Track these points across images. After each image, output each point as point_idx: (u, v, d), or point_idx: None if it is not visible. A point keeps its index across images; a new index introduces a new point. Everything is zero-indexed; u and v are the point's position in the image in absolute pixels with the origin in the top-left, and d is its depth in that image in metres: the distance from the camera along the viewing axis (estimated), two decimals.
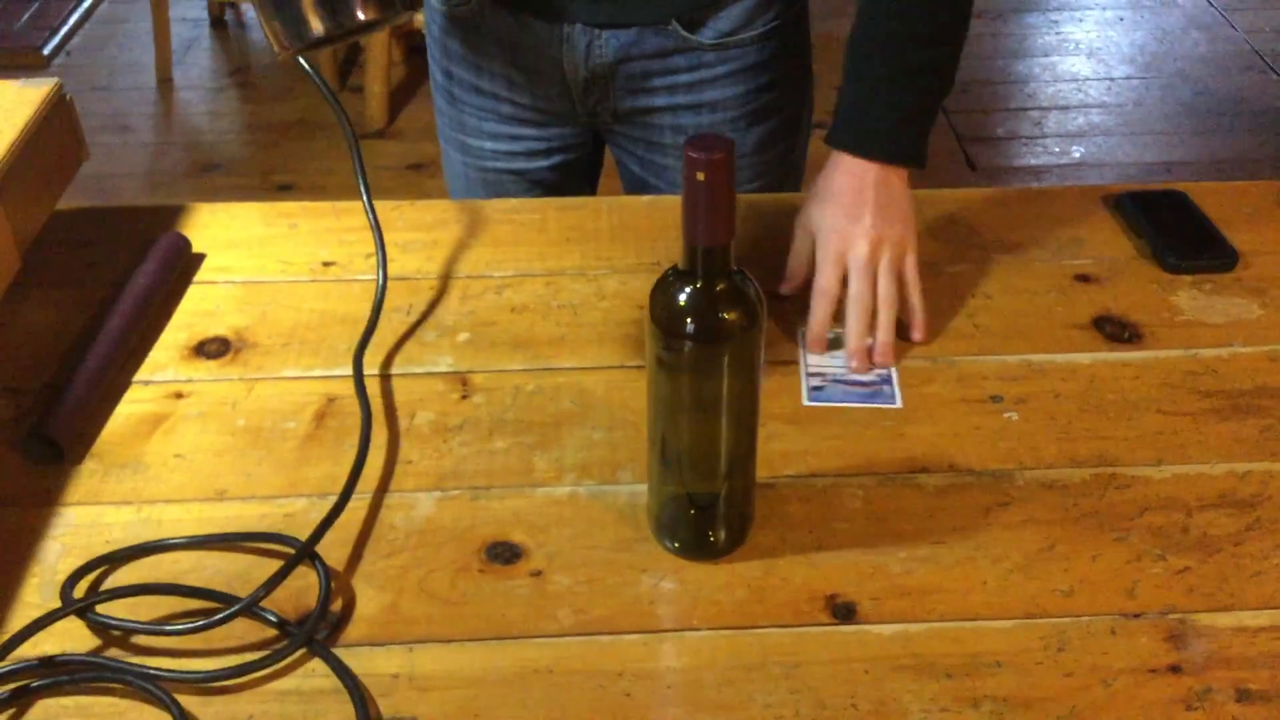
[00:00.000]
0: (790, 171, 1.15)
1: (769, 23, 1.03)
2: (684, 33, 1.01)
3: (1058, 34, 3.27)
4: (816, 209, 0.86)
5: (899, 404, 0.81)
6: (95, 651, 0.66)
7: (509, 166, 1.12)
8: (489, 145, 1.12)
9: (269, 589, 0.67)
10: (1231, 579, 0.69)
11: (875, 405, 0.81)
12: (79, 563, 0.70)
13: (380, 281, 0.87)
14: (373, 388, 0.82)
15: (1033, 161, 2.75)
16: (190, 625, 0.65)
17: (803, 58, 1.11)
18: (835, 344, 0.84)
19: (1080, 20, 3.33)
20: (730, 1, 1.00)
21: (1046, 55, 3.17)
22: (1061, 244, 0.95)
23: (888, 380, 0.82)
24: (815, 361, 0.83)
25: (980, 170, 2.71)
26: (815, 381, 0.82)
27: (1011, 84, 3.05)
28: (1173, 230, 0.95)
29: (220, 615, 0.65)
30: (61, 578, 0.69)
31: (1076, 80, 3.04)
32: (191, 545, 0.71)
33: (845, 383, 0.82)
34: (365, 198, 0.89)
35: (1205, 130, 2.85)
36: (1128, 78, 3.05)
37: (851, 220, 0.84)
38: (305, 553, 0.69)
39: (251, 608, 0.66)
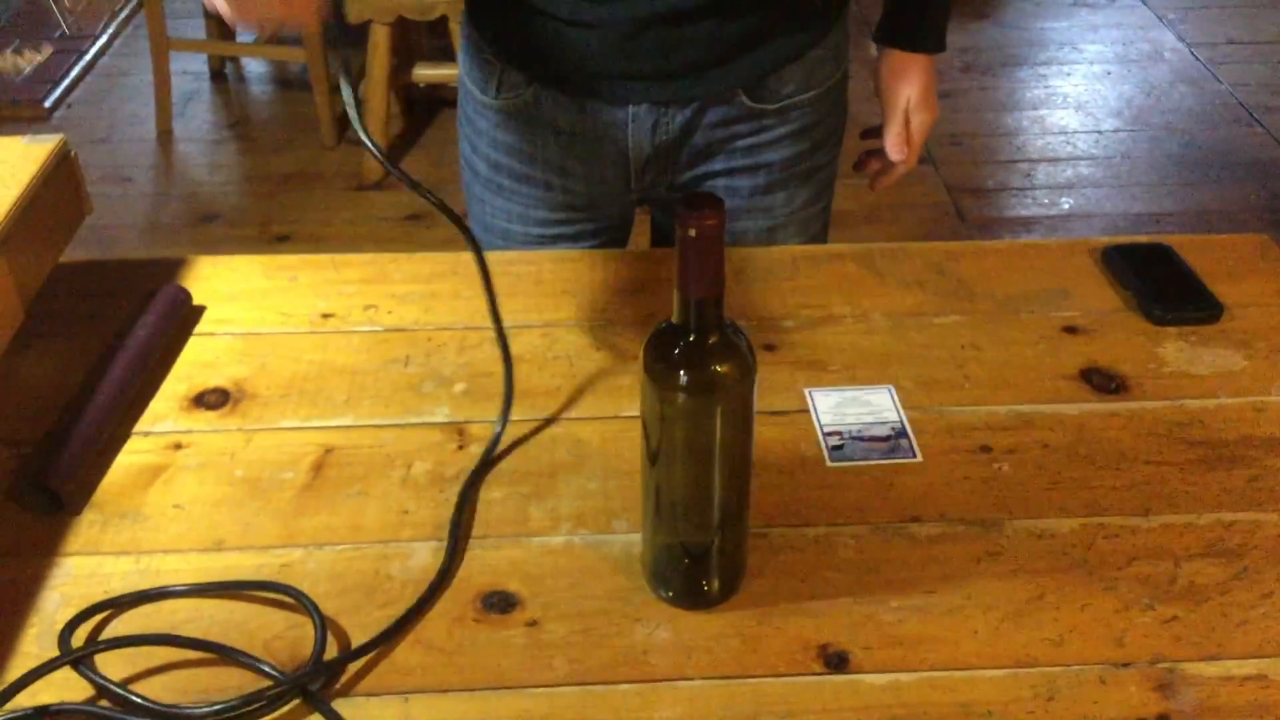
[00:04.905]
0: (828, 221, 1.17)
1: (825, 80, 1.05)
2: (749, 102, 1.03)
3: (1046, 88, 3.32)
4: (905, 89, 1.10)
5: (919, 457, 0.82)
6: (91, 700, 0.66)
7: (553, 246, 1.13)
8: (535, 231, 1.12)
9: (315, 667, 0.67)
10: (1219, 628, 0.70)
11: (896, 460, 0.81)
12: (78, 612, 0.70)
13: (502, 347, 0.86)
14: (370, 438, 0.83)
15: (1022, 213, 2.78)
16: (225, 704, 0.64)
17: (844, 113, 1.13)
18: (846, 404, 0.86)
19: (1068, 74, 3.38)
20: (788, 61, 1.03)
21: (1035, 108, 3.22)
22: (1049, 296, 0.97)
23: (903, 434, 0.83)
24: (829, 422, 0.84)
25: (970, 221, 2.73)
26: (834, 441, 0.83)
27: (1001, 136, 3.08)
28: (1159, 283, 0.96)
29: (265, 691, 0.65)
30: (60, 627, 0.69)
31: (1065, 133, 3.08)
32: (190, 594, 0.72)
33: (863, 439, 0.83)
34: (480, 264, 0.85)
35: (1192, 182, 2.88)
36: (1115, 130, 3.10)
37: (932, 103, 1.12)
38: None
39: (249, 660, 0.67)
